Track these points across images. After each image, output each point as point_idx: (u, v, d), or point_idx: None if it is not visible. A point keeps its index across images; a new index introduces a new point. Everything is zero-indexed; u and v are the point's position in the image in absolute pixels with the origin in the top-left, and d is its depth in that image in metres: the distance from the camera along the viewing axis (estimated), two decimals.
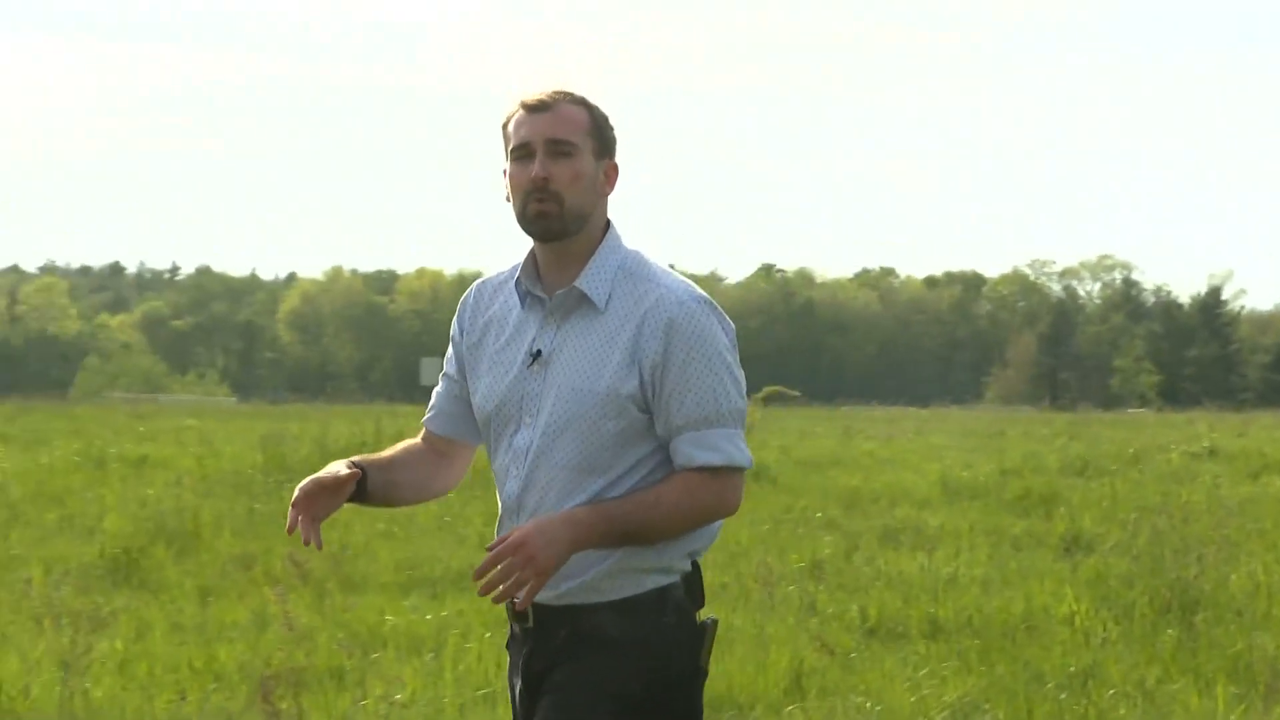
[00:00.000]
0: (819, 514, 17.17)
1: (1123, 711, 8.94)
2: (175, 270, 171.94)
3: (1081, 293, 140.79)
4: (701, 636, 4.59)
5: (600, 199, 4.58)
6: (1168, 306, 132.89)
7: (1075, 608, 11.62)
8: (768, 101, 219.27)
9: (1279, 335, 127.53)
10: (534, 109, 4.55)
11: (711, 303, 4.60)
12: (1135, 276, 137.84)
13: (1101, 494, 19.78)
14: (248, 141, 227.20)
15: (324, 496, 4.44)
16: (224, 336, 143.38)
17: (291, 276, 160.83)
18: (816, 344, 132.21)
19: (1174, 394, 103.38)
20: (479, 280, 4.82)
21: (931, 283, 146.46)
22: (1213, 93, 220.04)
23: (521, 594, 4.32)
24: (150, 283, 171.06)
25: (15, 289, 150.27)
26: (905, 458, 24.82)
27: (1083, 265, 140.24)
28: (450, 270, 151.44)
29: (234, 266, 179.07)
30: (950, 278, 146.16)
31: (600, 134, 4.60)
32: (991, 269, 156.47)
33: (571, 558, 4.41)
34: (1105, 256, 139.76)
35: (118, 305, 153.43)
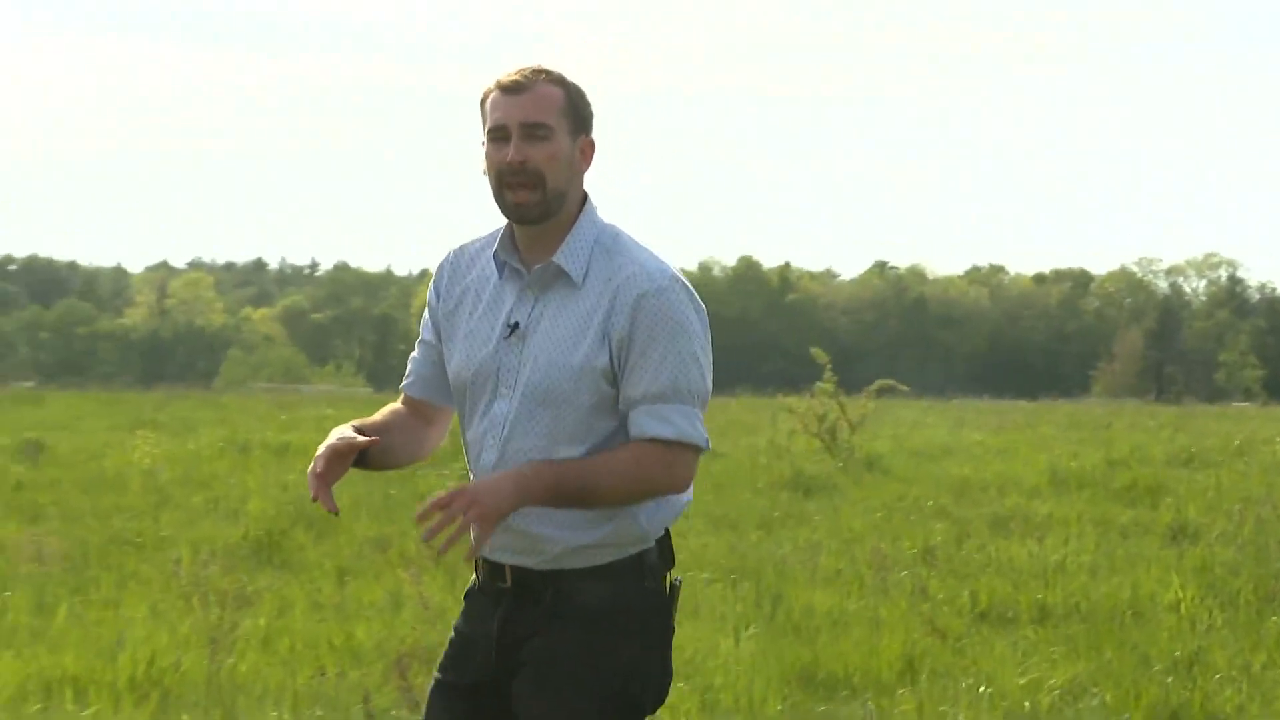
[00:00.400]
0: (930, 502, 17.07)
1: (1228, 694, 8.84)
2: (315, 266, 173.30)
3: (1187, 289, 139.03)
4: (675, 597, 4.58)
5: (576, 176, 4.50)
6: (1272, 303, 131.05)
7: (1181, 595, 11.50)
8: (884, 104, 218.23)
9: None
10: (509, 90, 4.47)
11: (684, 282, 4.50)
12: (1240, 274, 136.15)
13: (1206, 485, 19.55)
14: (385, 144, 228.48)
15: (337, 462, 4.40)
16: (360, 329, 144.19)
17: (424, 272, 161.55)
18: (928, 338, 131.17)
19: (1278, 388, 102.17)
20: (456, 247, 4.70)
21: (1040, 280, 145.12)
22: None
23: (472, 542, 4.26)
24: (291, 278, 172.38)
25: (164, 284, 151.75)
26: (1014, 448, 24.62)
27: (1188, 263, 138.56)
28: None
29: (369, 263, 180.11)
30: (1059, 275, 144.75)
31: (575, 112, 4.51)
32: (1099, 267, 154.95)
33: (558, 530, 4.38)
34: (1211, 254, 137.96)
35: (260, 299, 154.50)
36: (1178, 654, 9.67)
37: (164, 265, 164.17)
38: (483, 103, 4.50)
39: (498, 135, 4.44)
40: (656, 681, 4.56)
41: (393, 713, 7.52)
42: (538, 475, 4.34)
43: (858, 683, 9.02)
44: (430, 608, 10.37)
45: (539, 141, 4.41)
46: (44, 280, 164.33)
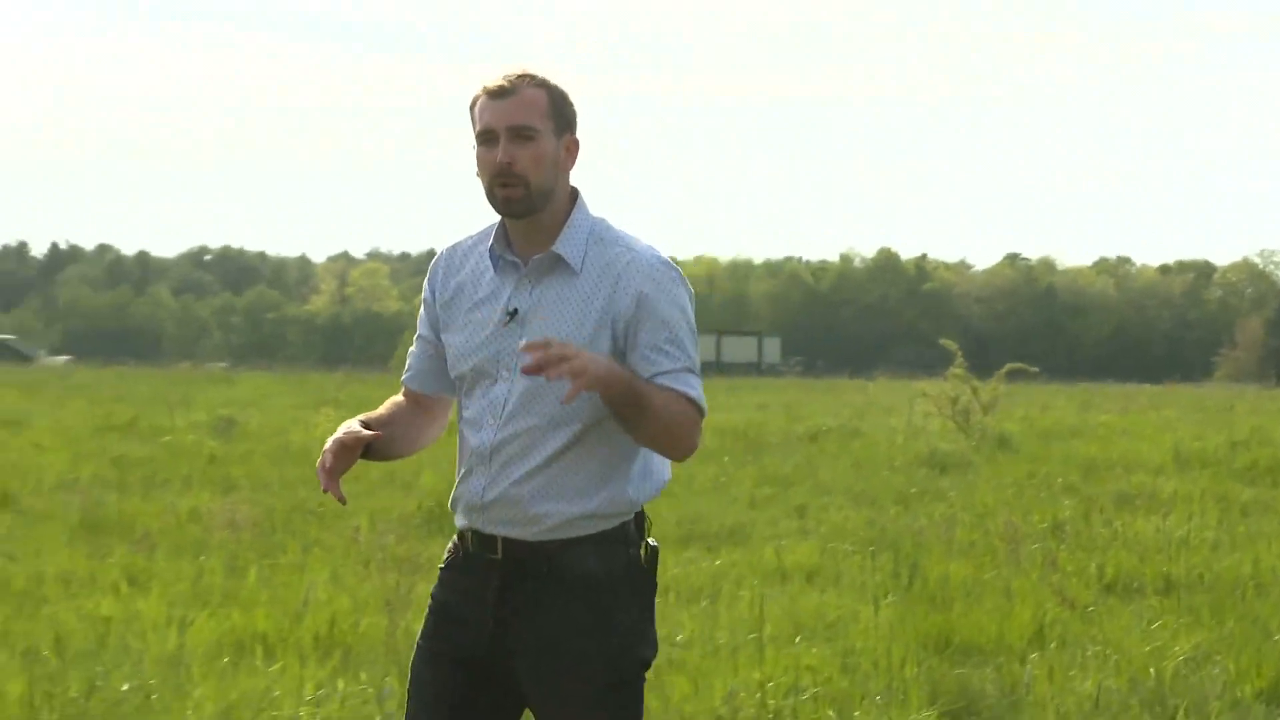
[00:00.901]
0: (1059, 479, 16.92)
1: None
2: None
3: None
4: (655, 560, 4.54)
5: (562, 174, 4.45)
6: None
7: None
8: (1017, 103, 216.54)
9: None
10: (495, 95, 4.41)
11: (675, 266, 4.49)
12: None
13: None
14: None
15: (345, 455, 4.38)
16: None
17: None
18: (1056, 326, 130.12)
19: None
20: (449, 245, 4.64)
21: (1164, 270, 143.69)
22: None
23: (568, 384, 4.14)
24: None
25: (345, 273, 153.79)
26: (1140, 429, 24.35)
27: None
28: (724, 257, 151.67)
29: None
30: (1182, 266, 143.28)
31: (559, 113, 4.46)
32: (1221, 258, 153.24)
33: (555, 504, 4.34)
34: None
35: None
36: None
37: (344, 255, 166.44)
38: (471, 107, 4.45)
39: (487, 138, 4.39)
40: (654, 640, 4.54)
41: None
42: (622, 373, 4.28)
43: (990, 649, 8.96)
44: None
45: (525, 143, 4.37)
46: (236, 269, 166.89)
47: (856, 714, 7.36)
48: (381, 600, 9.47)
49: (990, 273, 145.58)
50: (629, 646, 4.42)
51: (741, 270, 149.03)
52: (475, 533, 4.46)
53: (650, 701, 7.44)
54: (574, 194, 4.50)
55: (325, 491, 4.31)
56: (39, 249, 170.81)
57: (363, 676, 7.89)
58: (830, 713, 7.38)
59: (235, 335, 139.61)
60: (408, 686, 4.56)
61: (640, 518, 4.50)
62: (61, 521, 12.84)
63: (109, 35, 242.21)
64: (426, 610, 4.53)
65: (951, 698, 7.77)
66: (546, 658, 4.39)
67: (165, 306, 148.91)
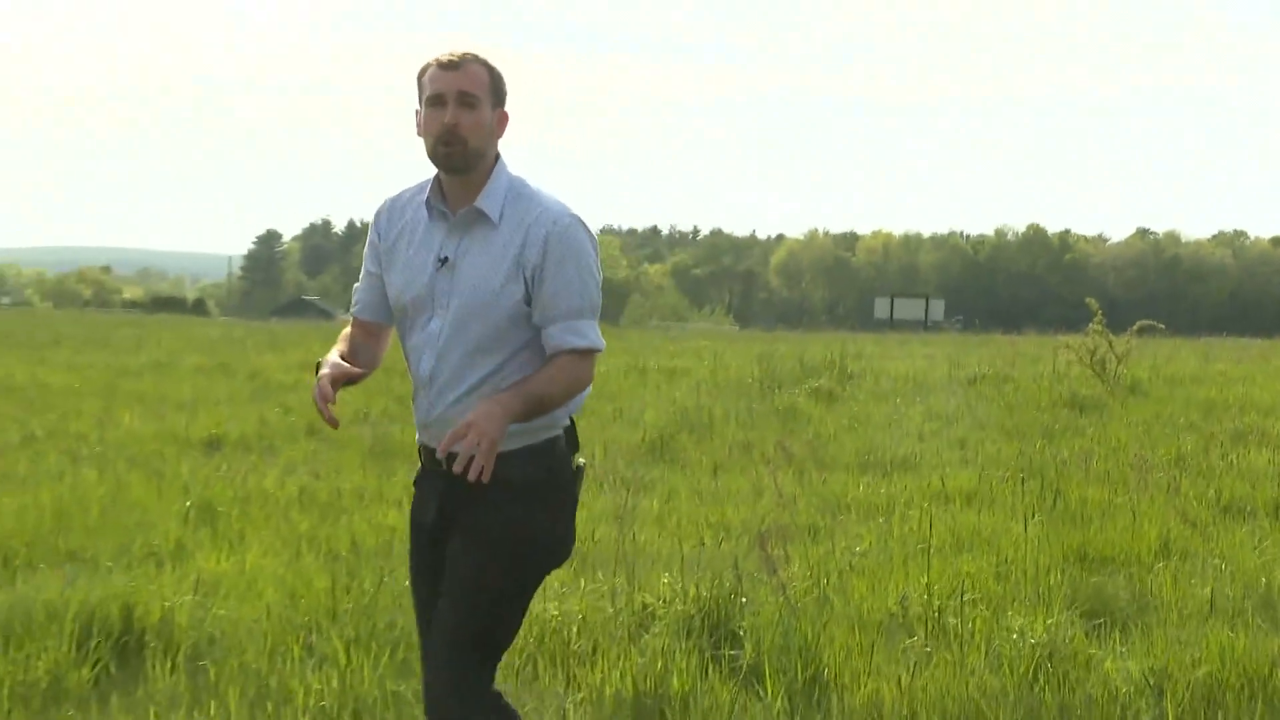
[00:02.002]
0: (1182, 418, 16.54)
1: None
2: (696, 231, 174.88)
3: None
4: (580, 476, 4.55)
5: (493, 140, 4.43)
6: None
7: None
8: (1150, 102, 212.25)
9: None
10: (447, 67, 4.39)
11: (581, 219, 4.42)
12: None
13: None
14: (756, 130, 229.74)
15: (336, 386, 4.35)
16: (730, 281, 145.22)
17: (780, 236, 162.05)
18: (1180, 291, 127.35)
19: None
20: (390, 197, 4.59)
21: (1277, 242, 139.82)
22: None
23: (475, 460, 4.15)
24: (678, 240, 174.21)
25: None
26: (1253, 376, 23.64)
27: None
28: (898, 231, 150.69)
29: (739, 228, 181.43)
30: None
31: (496, 89, 4.44)
32: None
33: (500, 434, 4.26)
34: None
35: (654, 257, 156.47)
36: None
37: None
38: (420, 76, 4.43)
39: (437, 102, 4.37)
40: (560, 543, 4.55)
41: (756, 575, 7.58)
42: (512, 401, 4.26)
43: (1121, 561, 8.85)
44: (784, 496, 10.41)
45: (468, 110, 4.35)
46: None
47: (1009, 613, 7.32)
48: (613, 515, 9.58)
49: (1123, 245, 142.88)
50: (529, 539, 4.44)
51: (913, 243, 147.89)
52: (424, 446, 4.50)
53: (835, 601, 7.49)
54: (497, 157, 4.46)
55: (323, 416, 4.30)
56: (339, 225, 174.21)
57: (599, 576, 7.98)
58: (985, 613, 7.35)
59: None
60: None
61: (570, 436, 4.52)
62: (356, 448, 13.12)
63: None
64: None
65: (1089, 602, 7.71)
66: (463, 544, 4.42)
67: None
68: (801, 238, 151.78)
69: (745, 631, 6.82)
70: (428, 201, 4.47)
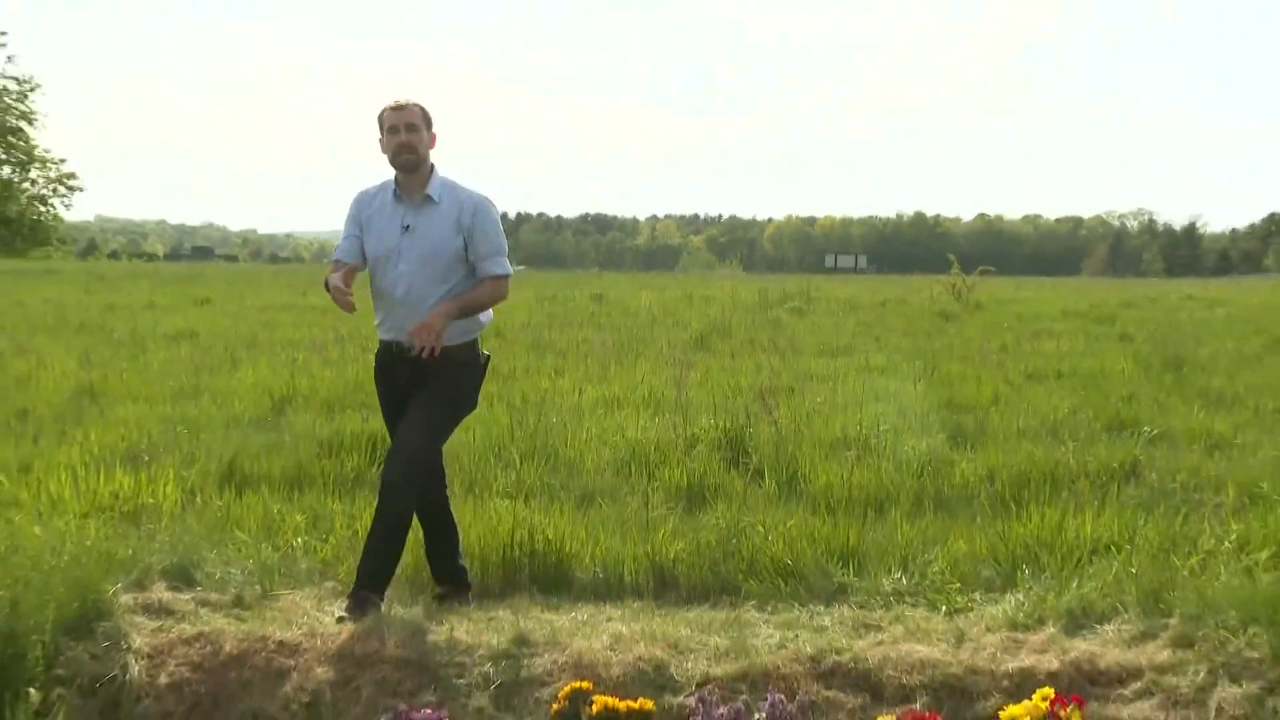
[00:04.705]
0: (1004, 324, 16.10)
1: None
2: (720, 216, 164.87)
3: None
4: (486, 364, 4.58)
5: (429, 150, 4.37)
6: None
7: None
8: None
9: None
10: (396, 109, 4.35)
11: (488, 198, 4.41)
12: None
13: None
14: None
15: (349, 285, 4.30)
16: (740, 246, 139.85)
17: (770, 219, 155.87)
18: (1004, 250, 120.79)
19: None
20: (362, 190, 4.48)
21: (1060, 221, 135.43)
22: None
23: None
24: (709, 222, 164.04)
25: (654, 226, 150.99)
26: (1044, 299, 23.11)
27: None
28: (839, 215, 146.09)
29: (744, 213, 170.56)
30: None
31: (427, 119, 4.37)
32: None
33: (443, 328, 4.28)
34: None
35: (695, 232, 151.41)
36: None
37: (653, 217, 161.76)
38: (380, 116, 4.37)
39: (394, 130, 4.38)
40: (475, 395, 4.55)
41: (758, 415, 7.36)
42: (450, 308, 4.29)
43: (971, 406, 8.57)
44: (773, 370, 10.35)
45: (414, 132, 4.37)
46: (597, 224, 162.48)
47: (906, 437, 7.28)
48: (671, 380, 9.47)
49: (971, 222, 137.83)
50: (462, 390, 4.51)
51: (848, 223, 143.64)
52: (398, 343, 4.47)
53: (804, 431, 7.41)
54: (433, 166, 4.41)
55: (348, 307, 4.20)
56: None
57: (666, 416, 7.98)
58: (892, 436, 7.20)
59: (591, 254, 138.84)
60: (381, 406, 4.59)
61: (479, 338, 4.57)
62: (521, 342, 13.06)
63: None
64: (376, 382, 4.59)
65: (952, 430, 7.63)
66: (432, 389, 4.44)
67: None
68: (782, 220, 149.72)
69: (752, 448, 6.82)
70: (394, 192, 4.42)
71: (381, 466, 4.59)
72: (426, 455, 4.38)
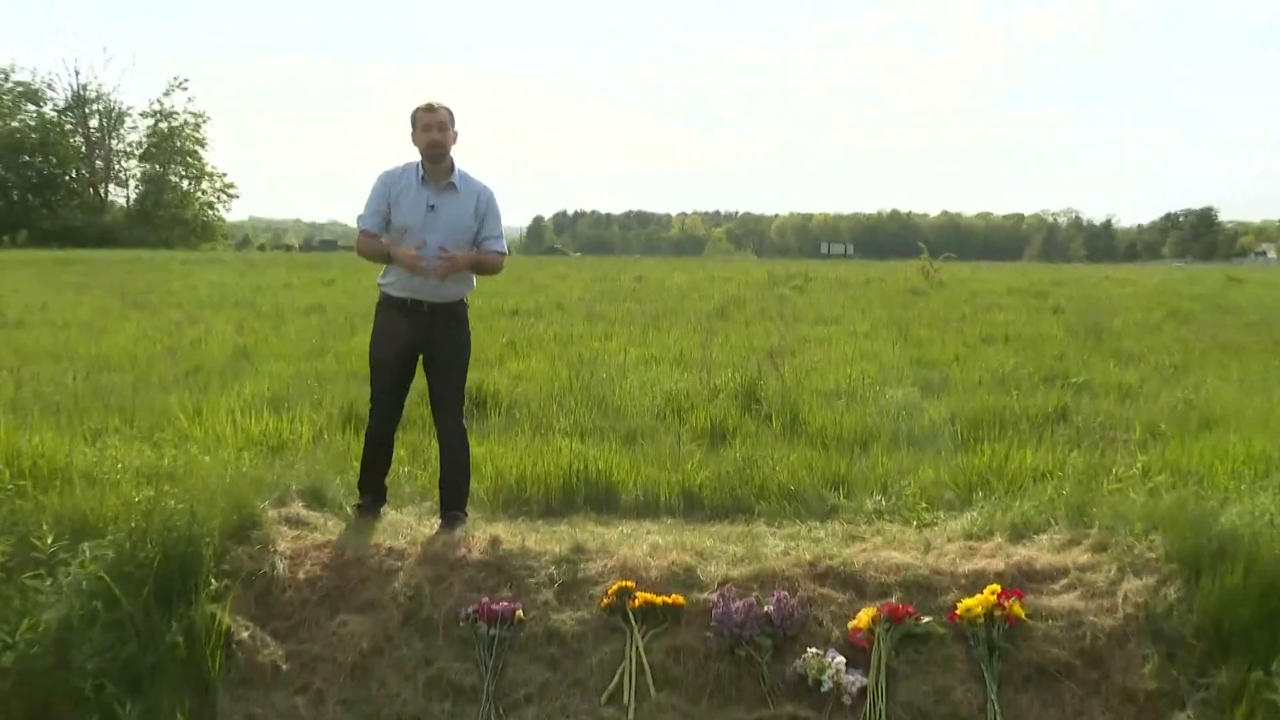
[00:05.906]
0: (963, 299, 15.50)
1: None
2: (737, 212, 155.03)
3: None
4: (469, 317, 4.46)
5: (453, 146, 4.29)
6: None
7: None
8: None
9: None
10: (427, 110, 4.26)
11: (493, 190, 4.33)
12: None
13: None
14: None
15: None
16: (753, 236, 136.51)
17: (775, 214, 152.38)
18: (963, 240, 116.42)
19: None
20: (387, 169, 4.32)
21: (1007, 217, 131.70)
22: None
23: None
24: (728, 217, 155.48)
25: (685, 219, 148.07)
26: (987, 279, 22.49)
27: None
28: (832, 211, 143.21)
29: (756, 209, 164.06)
30: None
31: (452, 120, 4.29)
32: None
33: (450, 288, 4.27)
34: None
35: (717, 225, 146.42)
36: None
37: (682, 213, 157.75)
38: (414, 115, 4.27)
39: (426, 127, 4.23)
40: (469, 343, 4.46)
41: (768, 370, 7.20)
42: (469, 257, 4.26)
43: (936, 362, 8.36)
44: (780, 335, 10.14)
45: (443, 130, 4.31)
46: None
47: (885, 387, 7.21)
48: (698, 343, 9.24)
49: (936, 218, 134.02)
50: (466, 341, 4.47)
51: (839, 218, 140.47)
52: (414, 299, 4.31)
53: (804, 383, 7.29)
54: (452, 162, 4.34)
55: (441, 274, 4.22)
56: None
57: (694, 372, 7.75)
58: (876, 388, 7.16)
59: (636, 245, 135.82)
60: (374, 367, 4.39)
61: (468, 299, 4.43)
62: (578, 314, 12.77)
63: None
64: (378, 328, 4.36)
65: (922, 381, 7.42)
66: (443, 344, 4.42)
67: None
68: (785, 215, 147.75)
69: (762, 397, 6.75)
70: (420, 176, 4.31)
71: (435, 413, 4.49)
72: (460, 405, 4.44)
